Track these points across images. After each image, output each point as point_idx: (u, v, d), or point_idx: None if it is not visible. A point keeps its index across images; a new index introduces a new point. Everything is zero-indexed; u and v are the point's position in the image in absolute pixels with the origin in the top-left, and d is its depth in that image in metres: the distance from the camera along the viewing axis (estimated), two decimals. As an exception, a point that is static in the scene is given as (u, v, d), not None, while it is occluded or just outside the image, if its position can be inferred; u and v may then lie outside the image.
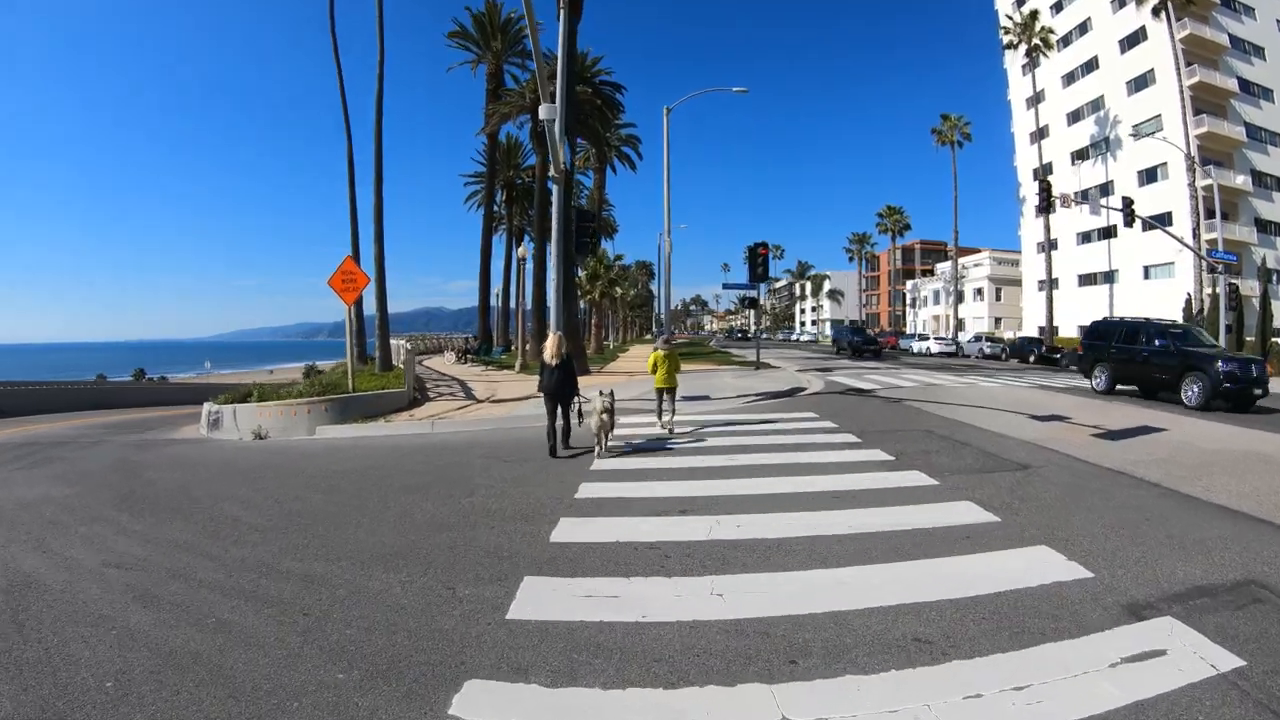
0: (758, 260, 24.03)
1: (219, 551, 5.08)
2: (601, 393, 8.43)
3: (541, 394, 8.90)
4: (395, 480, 7.38)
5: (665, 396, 10.23)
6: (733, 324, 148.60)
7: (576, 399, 8.90)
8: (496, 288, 42.13)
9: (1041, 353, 34.57)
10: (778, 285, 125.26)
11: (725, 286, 76.08)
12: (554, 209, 13.47)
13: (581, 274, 42.97)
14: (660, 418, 10.29)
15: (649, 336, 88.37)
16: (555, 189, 13.47)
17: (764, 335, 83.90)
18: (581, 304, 48.94)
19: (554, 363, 8.60)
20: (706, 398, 14.73)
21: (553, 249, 13.53)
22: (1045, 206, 37.82)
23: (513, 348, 31.30)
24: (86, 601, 4.09)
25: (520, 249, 27.44)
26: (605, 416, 8.23)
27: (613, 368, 25.84)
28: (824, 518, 5.60)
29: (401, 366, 17.03)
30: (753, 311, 35.66)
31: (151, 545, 5.28)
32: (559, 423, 8.56)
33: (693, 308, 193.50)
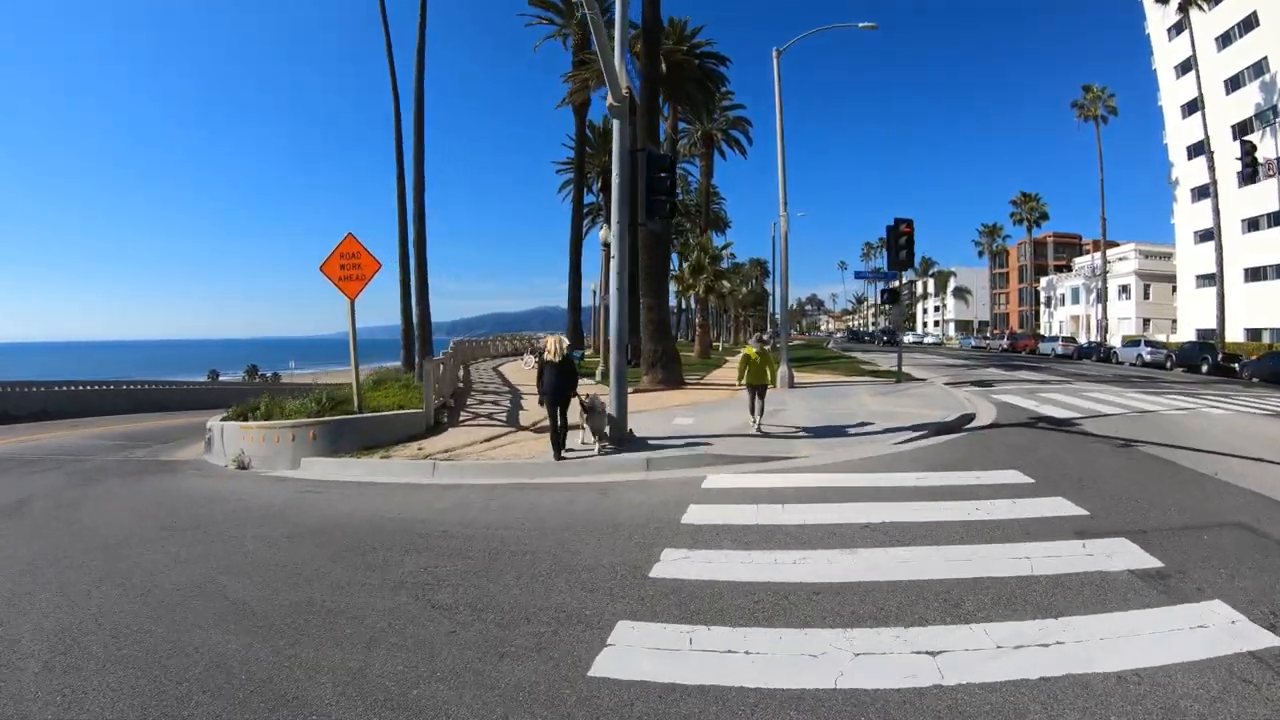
0: (899, 241, 18.62)
1: None
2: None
3: (540, 394, 8.57)
4: (176, 664, 3.49)
5: (756, 395, 9.88)
6: (850, 324, 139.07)
7: (576, 399, 8.68)
8: (593, 283, 38.53)
9: (1216, 361, 29.09)
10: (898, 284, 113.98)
11: (857, 275, 70.21)
12: (614, 152, 9.20)
13: (684, 266, 38.34)
14: (751, 415, 9.97)
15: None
16: (616, 126, 9.22)
17: (884, 337, 75.73)
18: (691, 301, 43.96)
19: (556, 359, 8.37)
20: (842, 432, 10.06)
21: (613, 212, 9.27)
22: (1250, 175, 30.01)
23: (598, 351, 27.27)
24: None
25: (603, 231, 23.01)
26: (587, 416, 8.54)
27: (716, 377, 20.92)
28: None
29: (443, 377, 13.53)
30: (893, 308, 30.20)
31: None
32: (559, 423, 8.43)
33: (808, 308, 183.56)
